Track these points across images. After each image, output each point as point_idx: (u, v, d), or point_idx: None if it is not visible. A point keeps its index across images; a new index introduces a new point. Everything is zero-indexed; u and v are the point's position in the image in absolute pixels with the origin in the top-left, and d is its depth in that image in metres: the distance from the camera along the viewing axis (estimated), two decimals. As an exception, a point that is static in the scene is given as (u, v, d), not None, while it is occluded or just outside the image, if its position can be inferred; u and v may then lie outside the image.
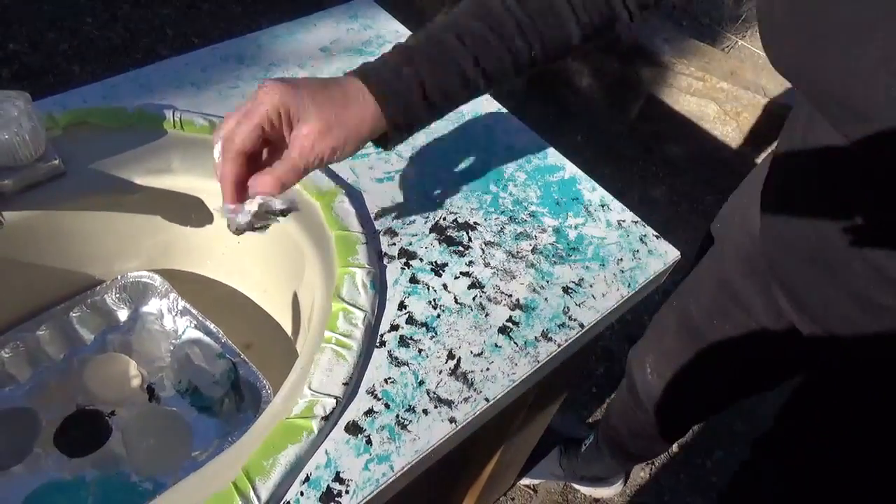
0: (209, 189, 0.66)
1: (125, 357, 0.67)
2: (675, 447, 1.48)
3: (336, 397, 0.52)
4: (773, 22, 0.52)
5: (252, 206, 0.47)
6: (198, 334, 0.67)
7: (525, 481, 1.35)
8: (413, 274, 0.62)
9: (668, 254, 0.69)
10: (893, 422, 0.64)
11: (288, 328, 0.72)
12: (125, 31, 2.10)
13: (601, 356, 1.58)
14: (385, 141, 0.52)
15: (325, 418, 0.50)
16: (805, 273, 0.64)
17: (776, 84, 1.89)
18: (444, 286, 0.62)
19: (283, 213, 0.49)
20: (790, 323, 0.70)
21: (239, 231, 0.49)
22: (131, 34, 2.10)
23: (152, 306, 0.70)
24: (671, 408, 0.96)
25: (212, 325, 0.67)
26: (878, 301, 0.57)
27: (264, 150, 0.50)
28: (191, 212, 0.69)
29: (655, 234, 0.70)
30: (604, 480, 1.32)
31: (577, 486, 1.36)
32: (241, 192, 0.48)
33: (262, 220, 0.49)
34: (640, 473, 1.43)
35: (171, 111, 0.68)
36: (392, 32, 0.85)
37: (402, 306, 0.60)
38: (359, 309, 0.57)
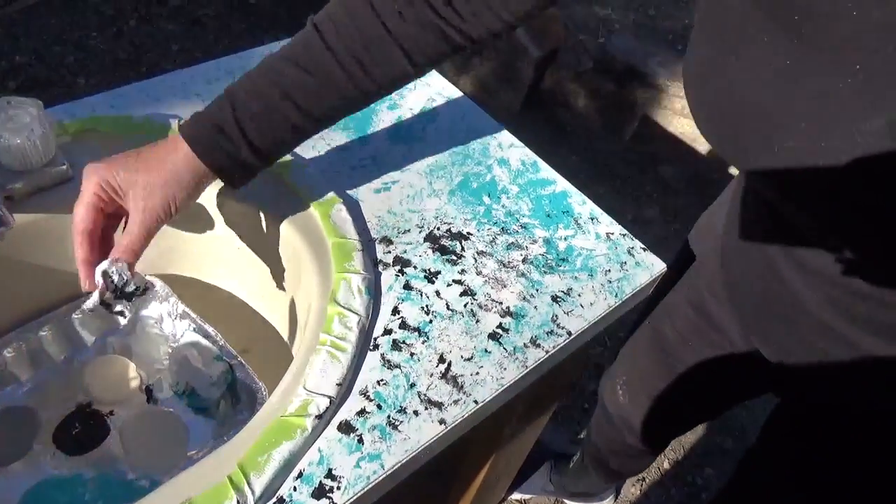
0: (210, 195, 0.68)
1: (125, 359, 0.69)
2: (665, 464, 1.49)
3: (330, 397, 0.53)
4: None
5: (98, 277, 0.53)
6: (196, 337, 0.69)
7: (516, 496, 1.35)
8: (407, 281, 0.64)
9: (655, 266, 0.71)
10: (881, 440, 0.65)
11: (285, 333, 0.74)
12: (130, 46, 2.14)
13: (593, 373, 1.59)
14: (230, 184, 0.57)
15: (319, 417, 0.52)
16: (760, 308, 0.66)
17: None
18: (437, 293, 0.64)
19: (135, 292, 0.57)
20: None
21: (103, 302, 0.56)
22: (136, 49, 2.13)
23: (152, 310, 0.72)
24: (645, 427, 0.98)
25: (210, 329, 0.69)
26: (828, 341, 0.59)
27: (117, 226, 0.55)
28: (192, 218, 0.71)
29: (643, 246, 0.72)
30: (593, 496, 1.33)
31: (567, 502, 1.37)
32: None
33: (117, 298, 0.56)
34: (631, 489, 1.44)
35: (176, 120, 0.71)
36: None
37: (395, 311, 0.61)
38: (353, 313, 0.59)
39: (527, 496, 1.36)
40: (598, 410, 1.08)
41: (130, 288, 0.55)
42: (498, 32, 0.56)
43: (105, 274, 0.53)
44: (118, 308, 0.57)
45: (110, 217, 0.55)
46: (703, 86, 0.51)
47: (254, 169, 0.57)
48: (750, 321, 0.71)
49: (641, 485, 1.45)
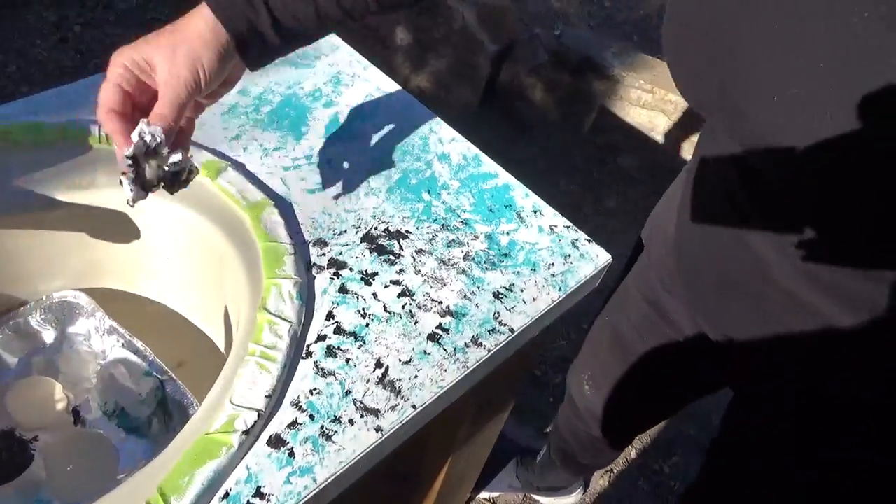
0: (137, 204, 0.64)
1: (50, 380, 0.65)
2: (632, 453, 1.48)
3: (258, 410, 0.51)
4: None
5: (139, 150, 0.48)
6: (125, 353, 0.65)
7: (484, 495, 1.34)
8: (342, 283, 0.62)
9: (600, 257, 0.69)
10: (848, 429, 0.64)
11: (221, 345, 0.71)
12: (75, 53, 2.07)
13: (559, 366, 1.58)
14: (245, 57, 0.53)
15: (246, 432, 0.49)
16: (717, 288, 0.65)
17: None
18: (374, 295, 0.61)
19: (180, 172, 0.52)
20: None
21: (139, 191, 0.50)
22: (82, 56, 2.07)
23: (80, 327, 0.68)
24: (611, 421, 0.97)
25: (139, 344, 0.66)
26: (785, 323, 0.58)
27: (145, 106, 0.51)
28: (118, 228, 0.67)
29: (587, 238, 0.71)
30: (562, 490, 1.32)
31: (536, 498, 1.36)
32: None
33: (155, 173, 0.51)
34: (600, 481, 1.43)
35: (97, 126, 0.67)
36: (328, 45, 0.85)
37: (330, 316, 0.59)
38: (284, 320, 0.56)
39: (494, 494, 1.35)
40: (566, 403, 1.06)
41: (164, 151, 0.50)
42: None
43: (139, 134, 0.48)
44: (151, 178, 0.51)
45: (137, 104, 0.51)
46: (696, 42, 0.51)
47: (272, 48, 0.53)
48: (703, 305, 0.70)
49: (609, 476, 1.44)
